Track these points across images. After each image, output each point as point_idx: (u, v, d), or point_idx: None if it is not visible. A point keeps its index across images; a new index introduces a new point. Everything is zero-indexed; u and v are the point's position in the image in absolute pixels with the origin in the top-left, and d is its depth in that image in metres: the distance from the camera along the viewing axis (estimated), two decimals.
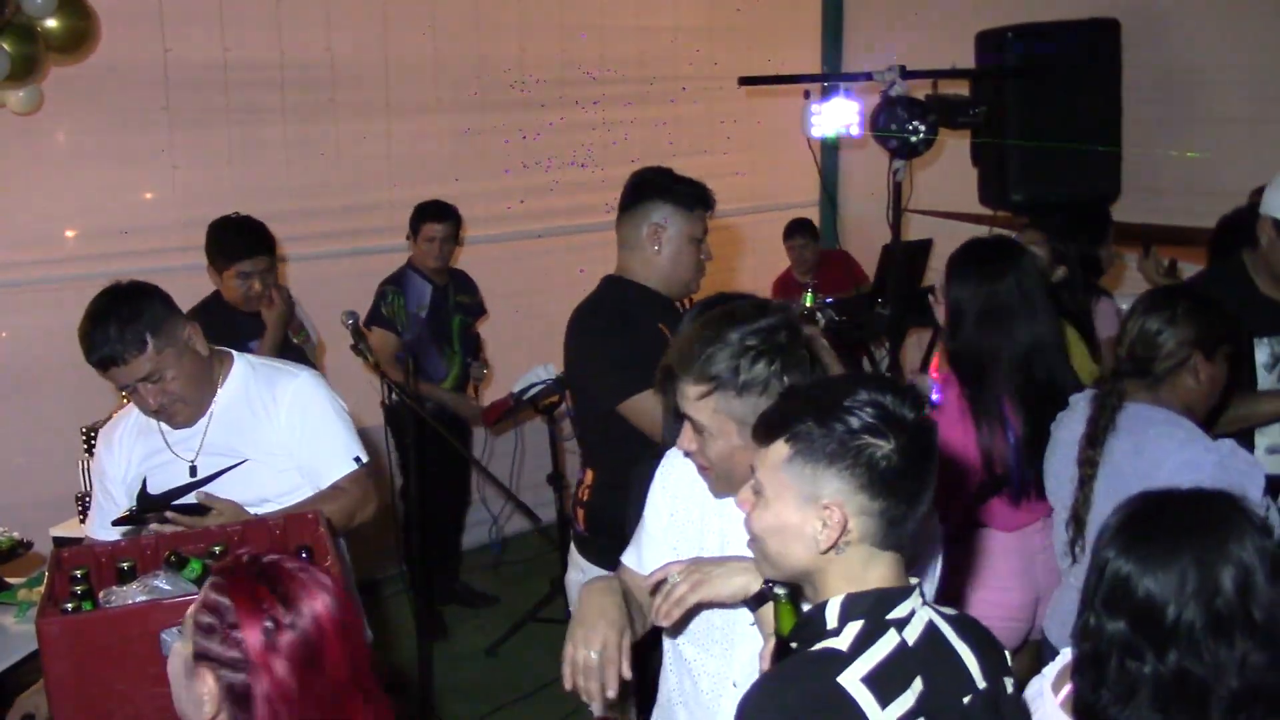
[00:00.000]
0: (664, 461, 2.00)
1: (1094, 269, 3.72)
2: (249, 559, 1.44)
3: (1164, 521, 1.40)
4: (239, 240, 3.53)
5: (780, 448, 1.41)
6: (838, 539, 1.39)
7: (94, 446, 3.43)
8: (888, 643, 1.38)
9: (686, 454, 1.80)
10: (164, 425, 2.43)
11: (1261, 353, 2.96)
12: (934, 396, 2.73)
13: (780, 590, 1.51)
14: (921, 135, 4.24)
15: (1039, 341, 2.63)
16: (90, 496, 3.42)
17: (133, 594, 1.95)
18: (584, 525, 2.78)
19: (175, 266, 4.58)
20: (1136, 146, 4.76)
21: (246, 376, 2.47)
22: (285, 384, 2.48)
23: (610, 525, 2.44)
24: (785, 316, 1.75)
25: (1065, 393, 2.57)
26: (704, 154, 5.90)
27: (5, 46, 3.74)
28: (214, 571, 1.45)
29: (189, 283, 4.60)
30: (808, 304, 4.19)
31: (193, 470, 2.41)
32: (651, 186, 2.73)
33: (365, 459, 2.52)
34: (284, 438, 2.42)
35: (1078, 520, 2.39)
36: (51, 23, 3.87)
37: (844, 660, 1.36)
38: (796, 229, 5.71)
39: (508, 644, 4.57)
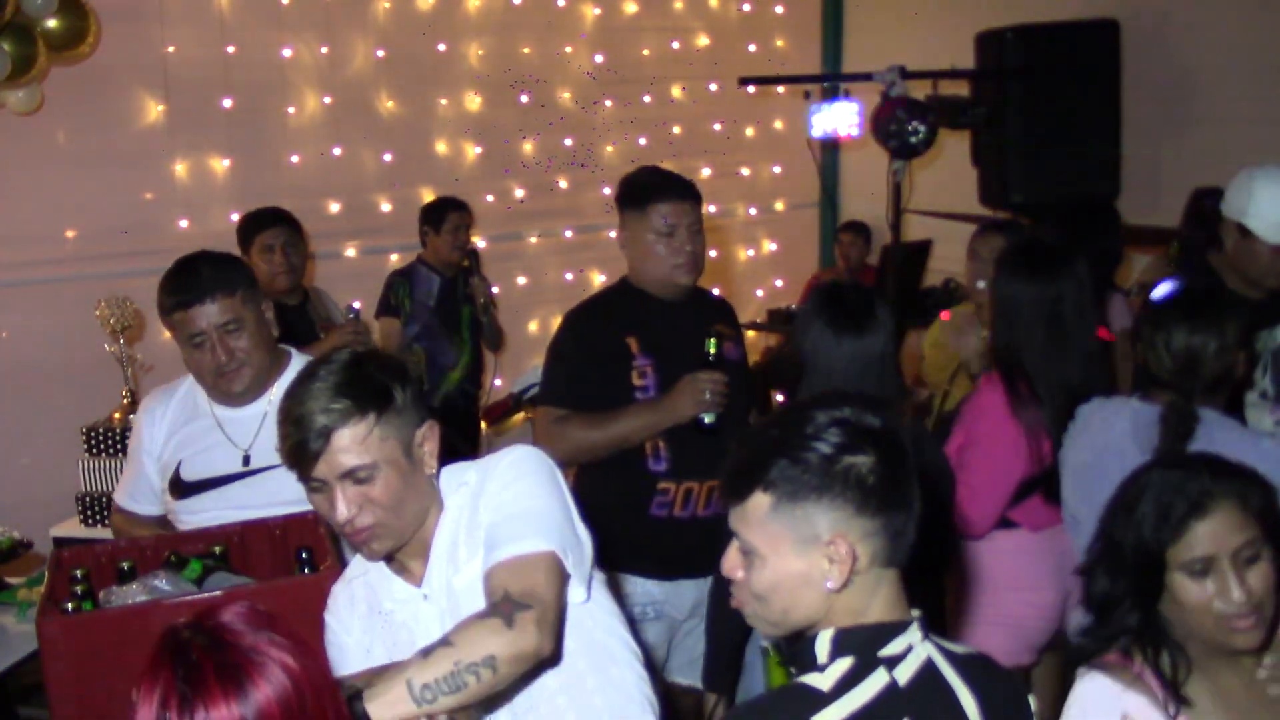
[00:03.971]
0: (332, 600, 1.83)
1: (1109, 263, 3.64)
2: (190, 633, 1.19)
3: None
4: (260, 214, 3.70)
5: (760, 499, 1.32)
6: (850, 571, 1.31)
7: (94, 446, 3.44)
8: (875, 683, 1.31)
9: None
10: (217, 410, 2.40)
11: None
12: None
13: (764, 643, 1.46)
14: (921, 135, 4.24)
15: (1097, 343, 2.65)
16: (89, 495, 3.44)
17: (133, 594, 1.95)
18: None
19: None
20: (1136, 146, 4.77)
21: None
22: None
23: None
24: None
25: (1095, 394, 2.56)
26: (704, 154, 5.90)
27: (5, 46, 3.73)
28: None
29: None
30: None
31: (246, 460, 2.39)
32: (617, 195, 2.86)
33: None
34: None
35: None
36: (51, 23, 3.87)
37: (823, 701, 1.29)
38: (848, 226, 5.87)
39: None
